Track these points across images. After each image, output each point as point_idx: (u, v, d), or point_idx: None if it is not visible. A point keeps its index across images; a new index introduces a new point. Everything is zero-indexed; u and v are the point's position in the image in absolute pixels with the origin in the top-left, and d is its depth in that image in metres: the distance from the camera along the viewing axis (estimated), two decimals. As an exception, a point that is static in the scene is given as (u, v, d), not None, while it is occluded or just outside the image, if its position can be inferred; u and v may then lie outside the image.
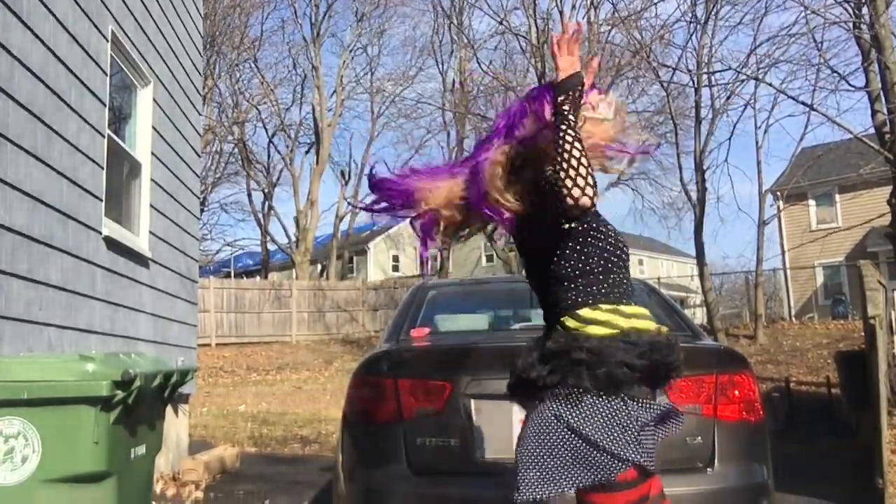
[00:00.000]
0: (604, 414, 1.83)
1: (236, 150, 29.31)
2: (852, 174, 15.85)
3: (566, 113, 1.90)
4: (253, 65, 28.67)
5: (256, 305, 22.04)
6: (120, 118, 5.66)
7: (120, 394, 2.49)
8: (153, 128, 5.93)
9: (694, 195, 17.62)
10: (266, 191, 30.95)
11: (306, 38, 29.22)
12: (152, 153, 5.90)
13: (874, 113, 10.89)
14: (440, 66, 28.69)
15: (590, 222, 1.99)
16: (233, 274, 34.13)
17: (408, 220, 2.09)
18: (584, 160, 1.84)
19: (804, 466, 6.16)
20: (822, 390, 10.12)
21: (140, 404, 2.69)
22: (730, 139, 28.64)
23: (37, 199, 3.91)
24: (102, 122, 4.87)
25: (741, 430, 3.05)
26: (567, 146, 1.84)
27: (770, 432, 3.33)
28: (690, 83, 16.82)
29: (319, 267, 33.33)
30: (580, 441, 1.83)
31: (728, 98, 16.55)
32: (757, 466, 3.06)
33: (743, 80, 14.19)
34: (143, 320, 5.61)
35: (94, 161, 4.70)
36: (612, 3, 17.26)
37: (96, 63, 4.77)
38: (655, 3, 17.44)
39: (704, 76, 15.86)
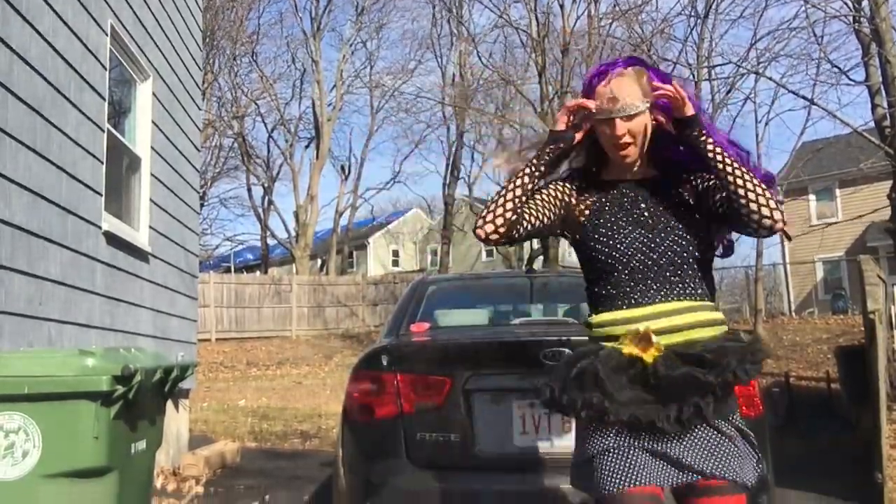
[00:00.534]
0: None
1: (236, 144, 29.33)
2: (853, 168, 15.81)
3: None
4: (252, 59, 28.68)
5: (256, 300, 22.05)
6: (119, 112, 5.65)
7: (120, 389, 2.49)
8: (153, 122, 5.92)
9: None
10: (266, 185, 30.98)
11: (306, 32, 29.24)
12: (152, 148, 5.89)
13: (874, 107, 10.88)
14: (439, 59, 28.74)
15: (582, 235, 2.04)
16: (233, 269, 34.14)
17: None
18: (497, 195, 1.97)
19: (804, 462, 6.17)
20: (821, 385, 10.12)
21: (140, 399, 2.69)
22: (729, 133, 28.55)
23: (36, 194, 3.90)
24: (102, 116, 4.86)
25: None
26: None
27: (769, 427, 3.33)
28: (691, 77, 16.79)
29: (319, 262, 33.36)
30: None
31: (728, 92, 16.52)
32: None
33: (743, 75, 14.15)
34: (143, 315, 5.61)
35: (93, 155, 4.69)
36: (613, -3, 17.22)
37: (95, 57, 4.76)
38: (656, -2, 17.39)
39: (705, 70, 15.83)
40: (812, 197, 24.73)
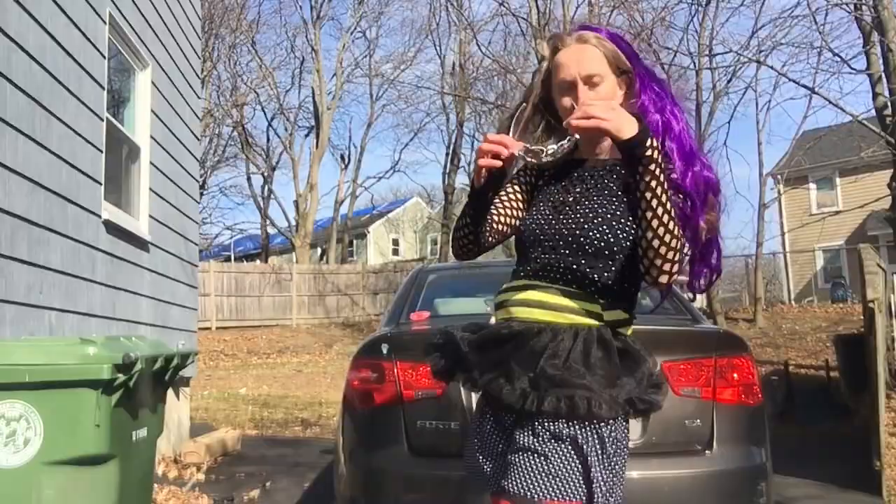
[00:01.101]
0: None
1: (235, 133, 29.28)
2: (853, 157, 15.78)
3: None
4: (251, 47, 28.58)
5: (257, 289, 22.07)
6: (119, 102, 5.64)
7: (121, 377, 2.50)
8: (152, 111, 5.91)
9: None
10: (265, 174, 30.92)
11: (306, 20, 29.10)
12: (151, 137, 5.88)
13: (875, 96, 10.85)
14: (438, 48, 28.67)
15: None
16: (233, 257, 34.16)
17: None
18: (456, 222, 1.96)
19: (802, 449, 6.20)
20: (821, 373, 10.15)
21: (141, 387, 2.70)
22: (729, 122, 28.62)
23: (36, 183, 3.90)
24: (101, 105, 4.85)
25: (740, 413, 3.07)
26: None
27: (769, 415, 3.35)
28: (692, 66, 16.74)
29: (319, 251, 33.35)
30: None
31: (729, 81, 16.50)
32: (755, 449, 3.08)
33: (744, 63, 14.09)
34: (143, 304, 5.62)
35: (93, 145, 4.69)
36: (613, -15, 17.14)
37: (94, 46, 4.74)
38: (657, -15, 17.28)
39: (705, 59, 15.78)
40: (812, 186, 24.71)
